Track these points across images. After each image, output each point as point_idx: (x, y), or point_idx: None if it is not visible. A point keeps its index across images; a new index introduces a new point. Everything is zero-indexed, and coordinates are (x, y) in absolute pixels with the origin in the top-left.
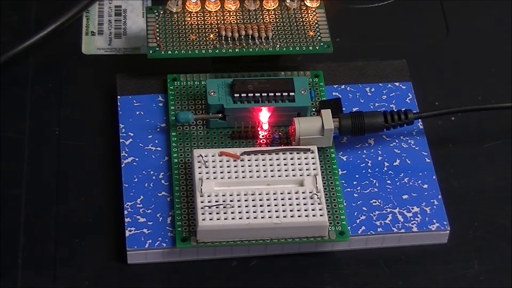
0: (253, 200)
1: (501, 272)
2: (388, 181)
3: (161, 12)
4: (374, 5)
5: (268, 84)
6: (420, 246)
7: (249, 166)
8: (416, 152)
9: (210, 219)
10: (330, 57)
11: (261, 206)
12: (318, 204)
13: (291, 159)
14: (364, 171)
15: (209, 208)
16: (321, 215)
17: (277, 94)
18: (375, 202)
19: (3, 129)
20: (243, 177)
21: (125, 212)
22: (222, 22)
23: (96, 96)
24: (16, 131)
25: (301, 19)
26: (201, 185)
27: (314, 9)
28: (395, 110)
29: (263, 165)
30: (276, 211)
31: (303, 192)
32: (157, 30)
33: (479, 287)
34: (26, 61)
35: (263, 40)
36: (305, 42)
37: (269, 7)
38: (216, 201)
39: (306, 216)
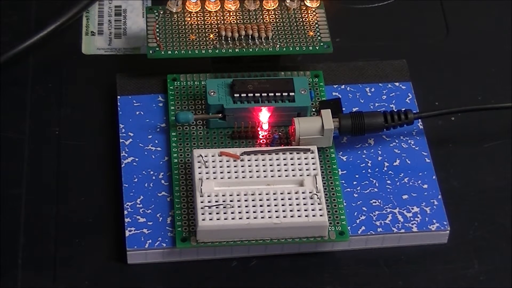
0: (253, 200)
1: (501, 272)
2: (388, 181)
3: (161, 12)
4: (374, 5)
5: (268, 84)
6: (420, 246)
7: (249, 166)
8: (416, 152)
9: (210, 219)
10: (330, 57)
11: (261, 206)
12: (318, 204)
13: (291, 159)
14: (364, 171)
15: (209, 208)
16: (321, 215)
17: (277, 94)
18: (375, 202)
19: (3, 129)
20: (243, 177)
21: (125, 212)
22: (222, 22)
23: (96, 96)
24: (16, 131)
25: (301, 19)
26: (201, 185)
27: (314, 9)
28: (395, 110)
29: (263, 165)
30: (276, 211)
31: (303, 192)
32: (157, 30)
33: (479, 287)
34: (26, 61)
35: (263, 40)
36: (305, 42)
37: (269, 7)
38: (216, 201)
39: (306, 216)
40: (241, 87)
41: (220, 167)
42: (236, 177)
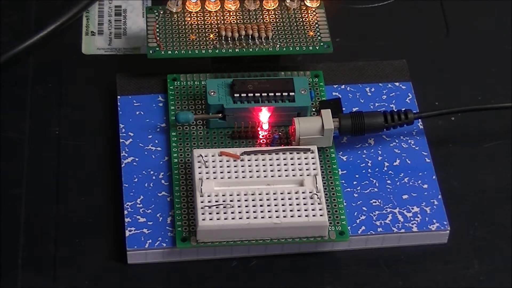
0: (253, 200)
1: (501, 272)
2: (388, 181)
3: (161, 12)
4: (374, 5)
5: (268, 84)
6: (420, 246)
7: (249, 166)
8: (416, 152)
9: (210, 219)
10: (330, 57)
11: (261, 206)
12: (318, 204)
13: (291, 159)
14: (364, 171)
15: (209, 208)
16: (321, 215)
17: (277, 94)
18: (375, 202)
19: (3, 129)
20: (243, 177)
21: (125, 212)
22: (222, 22)
23: (96, 96)
24: (16, 131)
25: (301, 19)
26: (201, 185)
27: (314, 9)
28: (395, 110)
29: (263, 165)
30: (276, 211)
31: (303, 192)
32: (157, 30)
33: (479, 287)
34: (26, 61)
35: (263, 40)
36: (305, 42)
37: (269, 7)
38: (216, 201)
39: (306, 216)
40: (241, 87)
41: (220, 167)
42: (236, 177)
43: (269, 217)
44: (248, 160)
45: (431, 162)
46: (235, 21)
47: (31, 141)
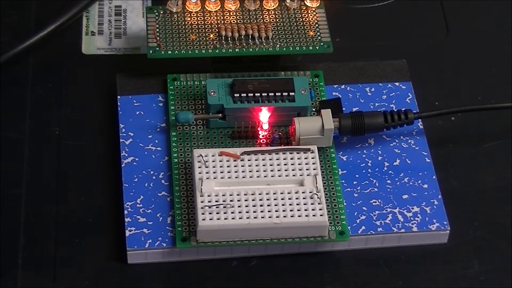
0: (253, 200)
1: (501, 272)
2: (388, 181)
3: (161, 12)
4: (374, 5)
5: (268, 84)
6: (420, 246)
7: (249, 166)
8: (416, 152)
9: (210, 219)
10: (330, 57)
11: (261, 206)
12: (318, 204)
13: (291, 159)
14: (364, 171)
15: (209, 208)
16: (321, 215)
17: (277, 94)
18: (375, 202)
19: (3, 129)
20: (243, 177)
21: (125, 212)
22: (222, 22)
23: (96, 96)
24: (16, 131)
25: (301, 19)
26: (201, 185)
27: (314, 9)
28: (395, 110)
29: (263, 165)
30: (276, 211)
31: (303, 192)
32: (157, 30)
33: (479, 287)
34: (26, 61)
35: (263, 40)
36: (305, 42)
37: (269, 7)
38: (216, 201)
39: (306, 216)
40: (241, 87)
41: (220, 167)
42: (236, 177)
43: (269, 217)
44: (248, 160)
45: (431, 162)
46: (235, 21)
47: (31, 141)
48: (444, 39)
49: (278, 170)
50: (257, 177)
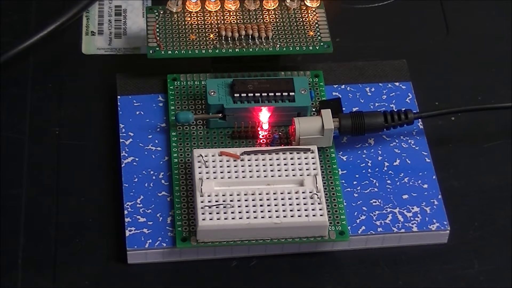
0: (253, 200)
1: (501, 272)
2: (388, 181)
3: (161, 12)
4: (374, 5)
5: (268, 84)
6: (420, 246)
7: (249, 166)
8: (416, 152)
9: (210, 219)
10: (330, 57)
11: (261, 206)
12: (318, 204)
13: (291, 159)
14: (364, 171)
15: (209, 208)
16: (321, 215)
17: (277, 94)
18: (375, 202)
19: (3, 129)
20: (243, 177)
21: (125, 212)
22: (222, 22)
23: (96, 96)
24: (16, 131)
25: (301, 19)
26: (201, 185)
27: (314, 9)
28: (395, 110)
29: (263, 165)
30: (276, 211)
31: (303, 192)
32: (157, 30)
33: (479, 287)
34: (26, 61)
35: (263, 40)
36: (305, 42)
37: (269, 7)
38: (216, 201)
39: (306, 216)
40: (241, 87)
41: (220, 167)
42: (236, 177)
43: (269, 217)
44: (248, 160)
45: (431, 162)
46: (235, 21)
47: (31, 141)
48: (444, 39)
49: (278, 170)
50: (257, 177)
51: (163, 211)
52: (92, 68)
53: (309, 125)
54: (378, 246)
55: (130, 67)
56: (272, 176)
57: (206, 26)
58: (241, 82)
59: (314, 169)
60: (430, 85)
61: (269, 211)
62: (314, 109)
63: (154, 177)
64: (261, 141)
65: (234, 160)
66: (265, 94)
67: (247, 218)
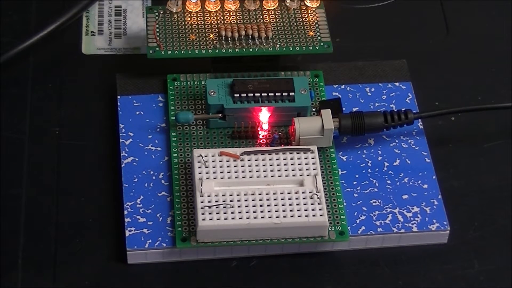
0: (253, 200)
1: (501, 272)
2: (388, 181)
3: (161, 12)
4: (374, 5)
5: (268, 84)
6: (420, 246)
7: (249, 166)
8: (416, 152)
9: (210, 219)
10: (330, 57)
11: (261, 206)
12: (318, 204)
13: (291, 159)
14: (364, 171)
15: (209, 208)
16: (321, 215)
17: (277, 94)
18: (375, 202)
19: (3, 129)
20: (243, 177)
21: (125, 212)
22: (222, 22)
23: (96, 96)
24: (16, 131)
25: (301, 19)
26: (201, 185)
27: (314, 9)
28: (395, 110)
29: (263, 165)
30: (276, 211)
31: (303, 192)
32: (157, 30)
33: (479, 287)
34: (26, 61)
35: (263, 40)
36: (305, 42)
37: (269, 7)
38: (216, 201)
39: (306, 216)
40: (241, 87)
41: (220, 167)
42: (236, 177)
43: (269, 217)
44: (248, 160)
45: (431, 162)
46: (235, 21)
47: (31, 141)
48: (444, 39)
49: (278, 170)
50: (257, 177)
51: (163, 211)
52: (92, 68)
53: (309, 125)
54: (378, 246)
55: (130, 67)
56: (272, 176)
57: (206, 26)
58: (241, 82)
59: (314, 169)
60: (430, 85)
61: (269, 211)
62: (314, 109)
63: (154, 177)
64: (261, 141)
65: (234, 160)
66: (265, 94)
67: (247, 218)
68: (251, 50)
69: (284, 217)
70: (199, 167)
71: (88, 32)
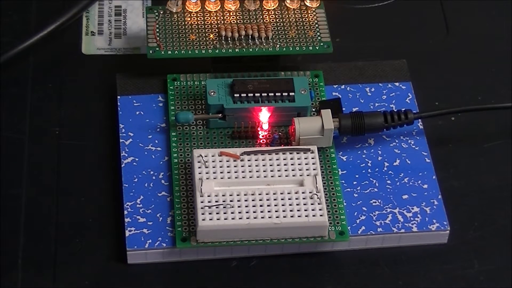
0: (253, 200)
1: (501, 272)
2: (388, 181)
3: (161, 12)
4: (374, 5)
5: (268, 84)
6: (420, 246)
7: (249, 166)
8: (416, 152)
9: (210, 219)
10: (330, 57)
11: (261, 206)
12: (318, 204)
13: (291, 159)
14: (364, 171)
15: (209, 208)
16: (321, 215)
17: (277, 94)
18: (375, 202)
19: (3, 129)
20: (243, 177)
21: (125, 212)
22: (222, 22)
23: (96, 96)
24: (16, 131)
25: (301, 19)
26: (201, 185)
27: (314, 9)
28: (395, 110)
29: (263, 165)
30: (276, 211)
31: (303, 192)
32: (157, 30)
33: (479, 287)
34: (26, 61)
35: (263, 40)
36: (305, 42)
37: (269, 7)
38: (216, 201)
39: (306, 216)
40: (241, 87)
41: (220, 167)
42: (236, 177)
43: (269, 217)
44: (248, 160)
45: (431, 162)
46: (235, 21)
47: (31, 141)
48: (444, 39)
49: (278, 170)
50: (257, 177)
51: (163, 211)
52: (92, 68)
53: (309, 125)
54: (378, 246)
55: (130, 67)
56: (272, 176)
57: (206, 26)
58: (241, 82)
59: (314, 169)
60: (430, 85)
61: (269, 211)
62: (314, 109)
63: (154, 177)
64: (261, 141)
65: (234, 160)
66: (265, 94)
67: (247, 218)
68: (251, 50)
69: (284, 217)
70: (199, 167)
71: (88, 32)
